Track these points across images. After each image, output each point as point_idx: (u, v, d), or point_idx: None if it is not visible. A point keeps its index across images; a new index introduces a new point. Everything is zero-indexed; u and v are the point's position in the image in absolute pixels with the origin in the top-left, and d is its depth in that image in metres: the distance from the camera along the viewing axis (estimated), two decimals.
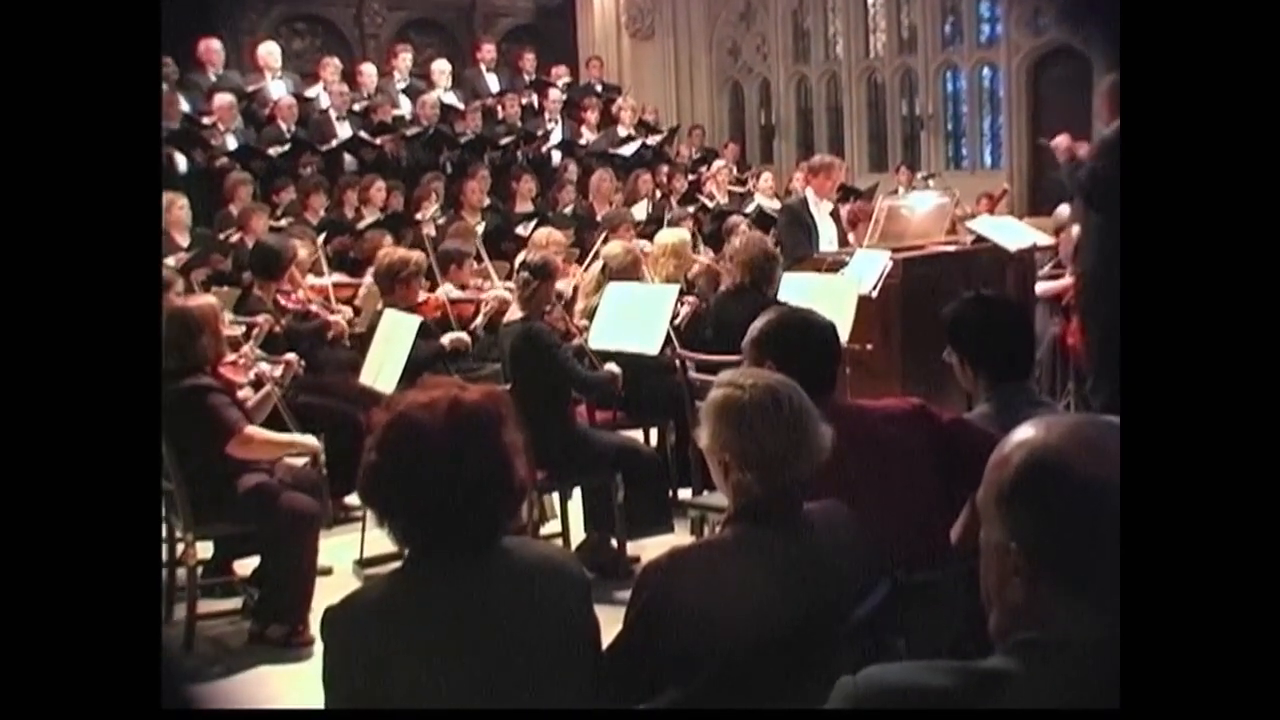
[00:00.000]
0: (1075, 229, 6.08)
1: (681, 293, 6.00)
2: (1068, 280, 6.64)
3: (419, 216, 8.89)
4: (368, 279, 6.99)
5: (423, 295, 6.27)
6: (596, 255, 6.67)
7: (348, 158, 9.97)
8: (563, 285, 6.06)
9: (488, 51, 12.08)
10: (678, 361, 5.34)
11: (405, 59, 11.35)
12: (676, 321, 5.79)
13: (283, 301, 6.20)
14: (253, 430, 4.44)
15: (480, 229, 8.64)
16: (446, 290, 6.50)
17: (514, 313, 5.10)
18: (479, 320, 6.42)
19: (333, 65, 10.72)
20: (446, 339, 5.88)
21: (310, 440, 4.73)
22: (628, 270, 5.97)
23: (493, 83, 11.92)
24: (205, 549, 4.74)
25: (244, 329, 5.48)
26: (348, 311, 6.60)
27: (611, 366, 5.29)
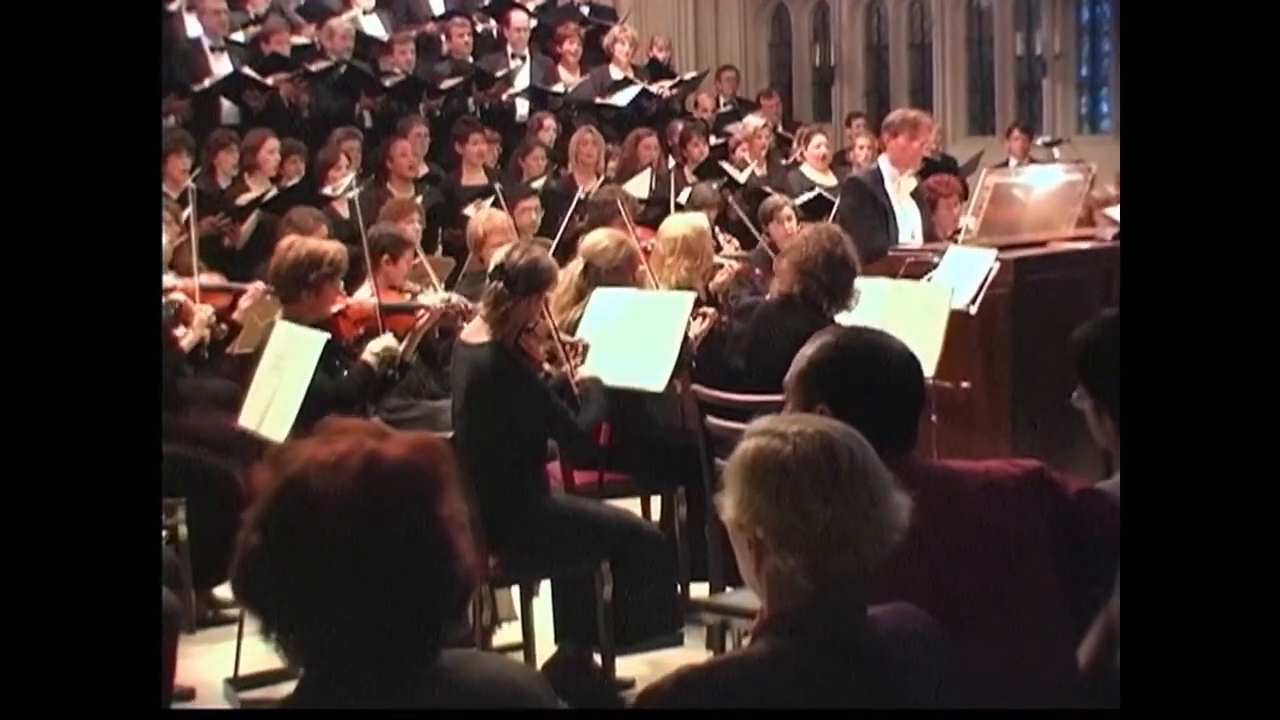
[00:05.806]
0: None
1: (698, 303, 6.02)
2: None
3: (327, 190, 8.92)
4: (256, 284, 6.99)
5: (340, 303, 6.23)
6: (571, 250, 6.65)
7: (225, 104, 10.04)
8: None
9: None
10: (692, 402, 5.35)
11: None
12: (689, 344, 5.81)
13: None
14: None
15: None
16: (366, 295, 6.43)
17: (477, 333, 5.05)
18: (408, 342, 6.32)
19: None
20: (371, 352, 5.60)
21: None
22: (620, 271, 5.97)
23: (435, 1, 12.00)
24: None
25: None
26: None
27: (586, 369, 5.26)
